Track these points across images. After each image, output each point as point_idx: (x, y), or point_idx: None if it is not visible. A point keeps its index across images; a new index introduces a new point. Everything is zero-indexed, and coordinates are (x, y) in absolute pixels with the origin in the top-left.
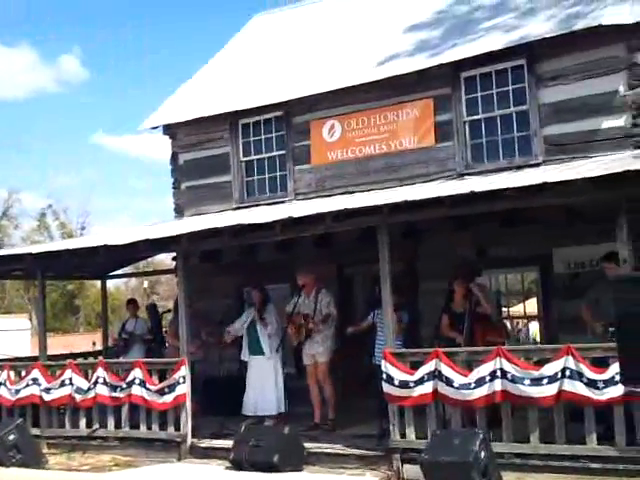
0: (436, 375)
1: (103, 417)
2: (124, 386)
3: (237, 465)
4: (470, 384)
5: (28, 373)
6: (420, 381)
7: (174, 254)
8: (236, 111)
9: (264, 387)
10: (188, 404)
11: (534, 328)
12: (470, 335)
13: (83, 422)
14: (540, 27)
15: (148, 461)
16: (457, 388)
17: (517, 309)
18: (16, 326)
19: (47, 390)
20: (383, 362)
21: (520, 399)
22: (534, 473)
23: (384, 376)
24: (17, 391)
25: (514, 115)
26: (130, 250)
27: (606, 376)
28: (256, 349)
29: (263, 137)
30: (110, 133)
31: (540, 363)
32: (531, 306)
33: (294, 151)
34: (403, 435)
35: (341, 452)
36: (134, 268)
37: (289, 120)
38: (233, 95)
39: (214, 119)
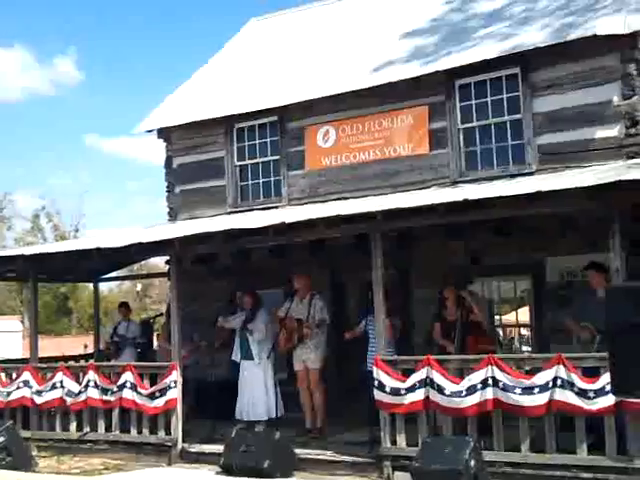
0: (427, 382)
1: (93, 420)
2: (115, 389)
3: (227, 470)
4: (461, 392)
5: (19, 375)
6: (411, 388)
7: (167, 257)
8: (231, 115)
9: (254, 392)
10: (179, 408)
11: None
12: (462, 343)
13: (73, 425)
14: (535, 36)
15: (138, 465)
16: (448, 396)
17: (509, 317)
18: (7, 328)
19: (38, 393)
20: (374, 369)
21: (511, 408)
22: None
23: (375, 383)
24: (8, 393)
25: (508, 123)
26: (123, 253)
27: (597, 386)
28: (246, 354)
29: (258, 142)
30: (105, 135)
31: (532, 372)
32: (523, 315)
33: (288, 156)
34: (394, 442)
35: (332, 459)
36: (127, 271)
37: (284, 125)
38: (228, 99)
39: (209, 123)
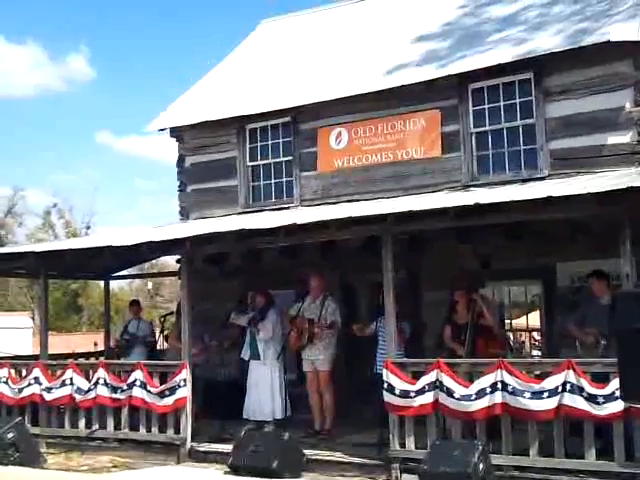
0: (437, 385)
1: (103, 418)
2: (125, 388)
3: (236, 470)
4: (471, 395)
5: (29, 372)
6: (421, 391)
7: (178, 256)
8: (243, 116)
9: (260, 392)
10: (188, 407)
11: None
12: (472, 346)
13: (82, 422)
14: (548, 41)
15: (147, 463)
16: (458, 399)
17: (520, 322)
18: (17, 324)
19: (48, 389)
20: (384, 371)
21: (520, 412)
22: None
23: (385, 385)
24: (20, 390)
25: (521, 128)
26: (134, 252)
27: (606, 391)
28: (255, 353)
29: (270, 142)
30: (116, 133)
31: (541, 377)
32: (534, 319)
33: (301, 157)
34: (403, 445)
35: (340, 460)
36: (138, 269)
37: (296, 126)
38: (241, 100)
39: (221, 123)
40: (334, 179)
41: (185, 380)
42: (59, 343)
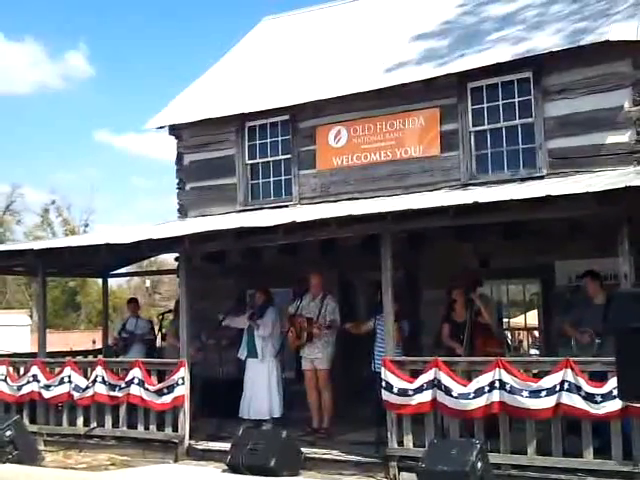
0: (435, 384)
1: (101, 416)
2: (123, 385)
3: (234, 468)
4: (469, 394)
5: (28, 370)
6: (419, 389)
7: (177, 254)
8: (243, 114)
9: (257, 390)
10: (187, 405)
11: None
12: (470, 345)
13: (80, 420)
14: (547, 40)
15: (145, 461)
16: (456, 397)
17: (518, 320)
18: (16, 322)
19: (47, 387)
20: (383, 370)
21: (518, 411)
22: None
23: (383, 384)
24: (19, 387)
25: (519, 127)
26: (133, 250)
27: (604, 390)
28: (252, 351)
29: (269, 140)
30: (115, 131)
31: (539, 375)
32: (532, 318)
33: (299, 155)
34: (401, 443)
35: (338, 458)
36: (137, 267)
37: (295, 124)
38: (240, 97)
39: (220, 121)
40: (333, 177)
41: (183, 378)
42: (57, 341)
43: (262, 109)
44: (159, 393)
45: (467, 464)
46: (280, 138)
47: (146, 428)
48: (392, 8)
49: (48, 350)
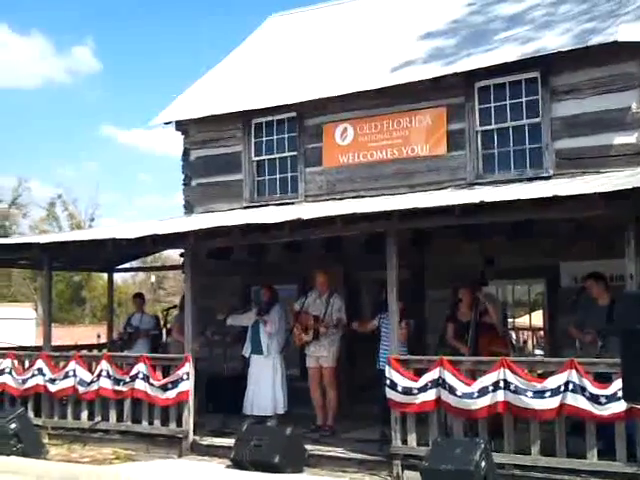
0: (440, 383)
1: (105, 410)
2: (127, 380)
3: (238, 464)
4: (473, 393)
5: (33, 363)
6: (424, 388)
7: (182, 250)
8: (249, 110)
9: (261, 387)
10: (191, 401)
11: None
12: (474, 344)
13: (85, 414)
14: (555, 41)
15: (149, 456)
16: (460, 397)
17: (523, 321)
18: (21, 315)
19: (52, 381)
20: (387, 368)
21: (522, 411)
22: None
23: (388, 382)
24: (24, 381)
25: (526, 127)
26: (138, 245)
27: (609, 391)
28: (257, 348)
29: (275, 137)
30: (121, 126)
31: (544, 376)
32: (537, 318)
33: (306, 153)
34: (404, 441)
35: (342, 456)
36: (142, 262)
37: (302, 122)
38: (246, 94)
39: (227, 117)
40: (339, 175)
41: (188, 374)
42: (62, 335)
43: (269, 106)
44: (164, 388)
45: (471, 463)
46: (286, 135)
47: (150, 423)
48: (399, 6)
49: (53, 344)
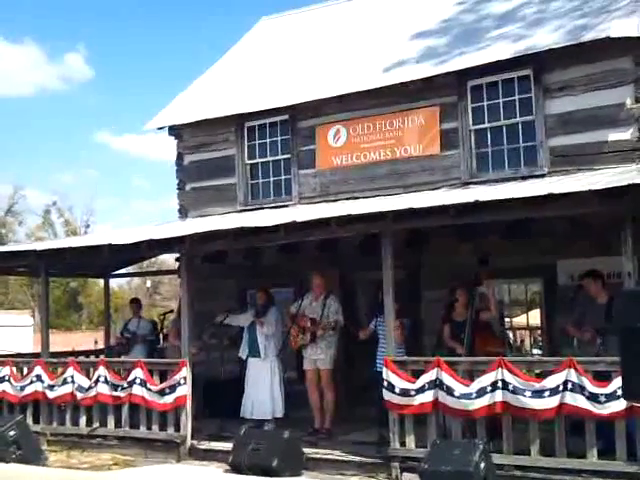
0: (437, 384)
1: (103, 416)
2: (125, 385)
3: (236, 468)
4: (471, 394)
5: (31, 370)
6: (421, 389)
7: (178, 255)
8: (242, 114)
9: (259, 390)
10: (189, 405)
11: None
12: (470, 344)
13: (83, 420)
14: (547, 38)
15: (147, 461)
16: (458, 397)
17: (520, 320)
18: (18, 322)
19: (50, 387)
20: (384, 370)
21: (521, 411)
22: None
23: (385, 384)
24: (22, 388)
25: (520, 125)
26: (134, 250)
27: (608, 390)
28: (254, 350)
29: (268, 140)
30: (115, 132)
31: (542, 375)
32: (534, 317)
33: (299, 155)
34: (403, 443)
35: (340, 458)
36: (137, 267)
37: (295, 124)
38: (239, 97)
39: (220, 121)
40: (333, 177)
41: (185, 378)
42: (60, 341)
43: (261, 109)
44: (161, 393)
45: (470, 464)
46: (279, 138)
47: (148, 428)
48: (391, 7)
49: (51, 350)
